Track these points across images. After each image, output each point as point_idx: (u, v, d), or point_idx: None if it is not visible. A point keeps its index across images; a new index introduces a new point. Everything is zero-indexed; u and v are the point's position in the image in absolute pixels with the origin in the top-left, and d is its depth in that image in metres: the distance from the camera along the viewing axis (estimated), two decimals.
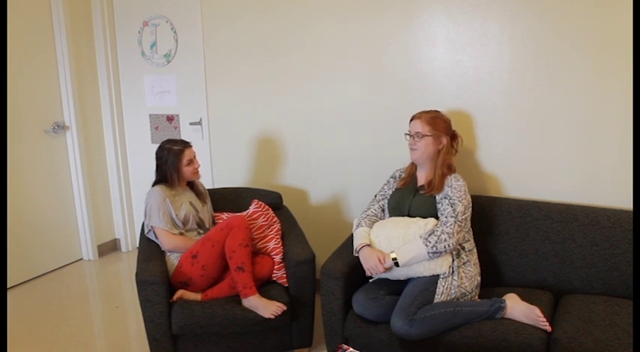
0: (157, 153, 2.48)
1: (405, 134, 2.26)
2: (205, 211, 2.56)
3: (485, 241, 2.34)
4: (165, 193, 2.42)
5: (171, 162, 2.43)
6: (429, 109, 2.27)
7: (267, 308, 2.19)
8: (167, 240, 2.37)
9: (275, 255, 2.43)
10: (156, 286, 2.15)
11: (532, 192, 2.43)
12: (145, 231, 2.46)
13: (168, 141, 2.48)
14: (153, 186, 2.47)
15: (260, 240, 2.48)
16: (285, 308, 2.21)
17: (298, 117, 2.95)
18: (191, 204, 2.48)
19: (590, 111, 2.25)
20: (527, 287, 2.25)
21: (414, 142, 2.20)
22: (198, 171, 2.52)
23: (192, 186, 2.58)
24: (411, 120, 2.23)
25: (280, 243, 2.46)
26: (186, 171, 2.46)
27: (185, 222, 2.45)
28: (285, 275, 2.38)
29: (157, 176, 2.49)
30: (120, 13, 3.56)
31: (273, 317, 2.18)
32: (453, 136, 2.27)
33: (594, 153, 2.28)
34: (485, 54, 2.40)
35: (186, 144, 2.47)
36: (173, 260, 2.37)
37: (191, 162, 2.47)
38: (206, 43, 3.14)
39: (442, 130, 2.20)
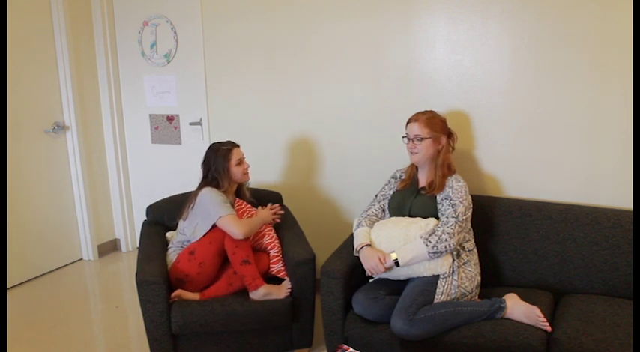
0: (205, 156, 2.44)
1: (403, 137, 2.26)
2: None
3: (485, 241, 2.34)
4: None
5: (220, 163, 2.37)
6: (424, 110, 2.26)
7: (280, 290, 2.29)
8: (236, 224, 2.23)
9: (270, 249, 2.44)
10: (156, 286, 2.15)
11: (532, 192, 2.43)
12: (210, 224, 2.29)
13: (216, 142, 2.45)
14: (200, 187, 2.36)
15: (254, 237, 2.47)
16: (290, 286, 2.30)
17: (298, 117, 2.94)
18: None
19: (590, 111, 2.25)
20: (527, 287, 2.25)
21: (414, 146, 2.19)
22: (248, 172, 2.47)
23: (240, 195, 2.51)
24: (408, 122, 2.22)
25: (273, 238, 2.46)
26: (236, 171, 2.40)
27: None
28: (282, 269, 2.40)
29: (204, 177, 2.42)
30: (120, 13, 3.56)
31: (289, 293, 2.28)
32: (449, 134, 2.26)
33: (594, 153, 2.28)
34: (485, 54, 2.40)
35: (234, 144, 2.44)
36: (171, 256, 2.37)
37: (240, 162, 2.42)
38: (206, 43, 3.14)
39: (440, 130, 2.20)
